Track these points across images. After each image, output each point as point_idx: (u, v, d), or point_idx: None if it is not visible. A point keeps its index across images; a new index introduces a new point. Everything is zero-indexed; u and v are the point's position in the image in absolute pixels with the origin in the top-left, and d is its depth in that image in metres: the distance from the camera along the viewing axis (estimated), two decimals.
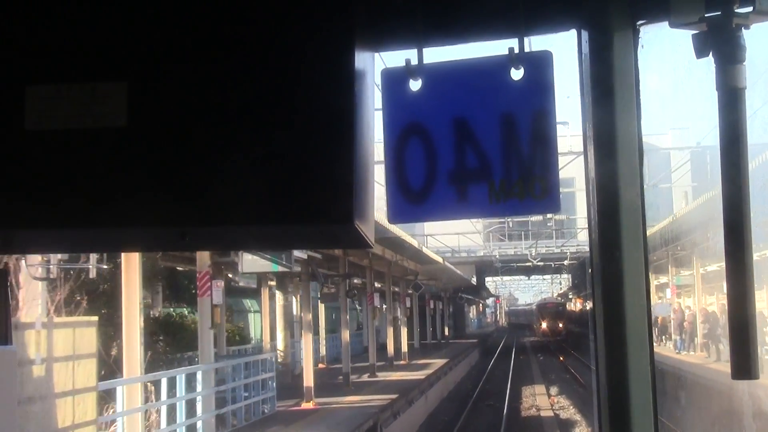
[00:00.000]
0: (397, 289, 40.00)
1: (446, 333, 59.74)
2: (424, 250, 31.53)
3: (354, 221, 1.35)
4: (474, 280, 57.79)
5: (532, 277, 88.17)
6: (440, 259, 37.59)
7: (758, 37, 1.60)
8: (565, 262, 51.14)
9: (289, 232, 1.47)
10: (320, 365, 33.12)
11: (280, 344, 27.84)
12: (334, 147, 1.35)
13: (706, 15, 1.42)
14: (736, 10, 1.41)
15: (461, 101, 1.51)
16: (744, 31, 1.42)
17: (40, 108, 1.41)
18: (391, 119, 1.55)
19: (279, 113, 1.37)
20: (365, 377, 27.57)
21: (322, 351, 34.85)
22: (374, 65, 1.57)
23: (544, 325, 67.52)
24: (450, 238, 49.04)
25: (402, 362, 33.91)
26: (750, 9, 1.42)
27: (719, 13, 1.41)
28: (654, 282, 37.88)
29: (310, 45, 1.38)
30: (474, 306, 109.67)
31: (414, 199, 1.53)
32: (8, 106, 1.41)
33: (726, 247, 1.41)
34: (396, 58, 1.60)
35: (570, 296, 74.68)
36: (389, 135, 1.55)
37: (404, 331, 36.62)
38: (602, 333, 1.50)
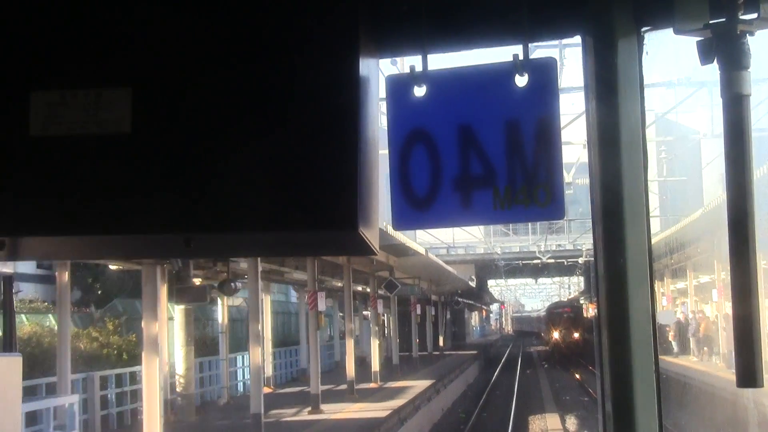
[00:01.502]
0: (367, 289, 36.90)
1: (441, 343, 58.35)
2: (390, 230, 25.33)
3: (358, 228, 1.58)
4: (473, 282, 57.59)
5: (540, 281, 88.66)
6: (422, 250, 34.53)
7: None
8: (580, 260, 50.61)
9: (293, 238, 1.71)
10: (265, 389, 28.61)
11: (180, 366, 22.87)
12: (339, 154, 1.59)
13: (710, 21, 1.67)
14: (740, 17, 1.66)
15: (466, 108, 1.77)
16: (749, 38, 1.68)
17: (45, 114, 1.64)
18: (395, 125, 1.80)
19: (283, 120, 1.61)
20: (305, 414, 22.83)
21: (269, 370, 30.79)
22: (378, 71, 1.81)
23: (555, 334, 61.81)
24: (444, 231, 49.19)
25: (371, 386, 30.40)
26: (755, 15, 1.67)
27: (724, 19, 1.66)
28: (693, 281, 38.09)
29: (315, 51, 1.62)
30: (476, 312, 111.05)
31: (418, 205, 1.78)
32: (13, 112, 1.64)
33: (731, 258, 1.66)
34: (400, 64, 1.84)
35: (582, 301, 69.70)
36: (394, 141, 1.80)
37: (375, 345, 33.24)
38: (607, 337, 1.76)
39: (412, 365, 42.26)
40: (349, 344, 29.39)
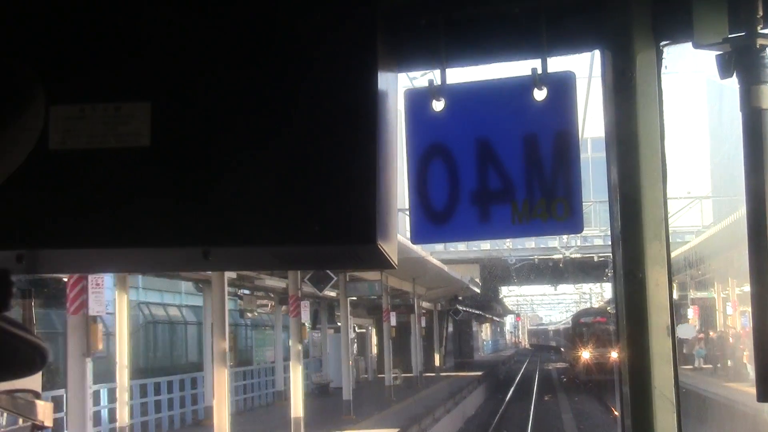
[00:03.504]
0: (285, 286, 32.89)
1: (437, 362, 57.02)
2: None
3: (377, 241, 2.01)
4: (476, 286, 56.85)
5: (560, 289, 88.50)
6: None
7: None
8: None
9: (312, 252, 2.15)
10: None
11: None
12: (358, 168, 2.02)
13: (729, 36, 2.13)
14: (759, 31, 2.11)
15: (484, 121, 2.23)
16: None
17: (64, 128, 2.07)
18: (414, 139, 2.27)
19: (302, 134, 2.04)
20: None
21: (125, 416, 23.27)
22: (397, 85, 2.27)
23: (585, 354, 55.20)
24: None
25: None
26: None
27: (743, 33, 2.12)
28: None
29: (333, 65, 2.06)
30: (488, 325, 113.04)
31: (437, 219, 2.25)
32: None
33: (751, 269, 2.12)
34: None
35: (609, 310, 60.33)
36: (412, 155, 2.27)
37: (297, 372, 27.65)
38: (626, 351, 2.22)
39: (380, 398, 37.70)
40: (220, 377, 21.67)
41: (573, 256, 51.80)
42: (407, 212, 2.37)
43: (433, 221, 2.26)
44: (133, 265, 2.57)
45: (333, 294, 39.49)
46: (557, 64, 2.26)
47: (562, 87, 2.23)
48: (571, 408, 44.10)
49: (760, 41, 2.12)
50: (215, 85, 2.08)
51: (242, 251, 2.16)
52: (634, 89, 2.21)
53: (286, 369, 41.27)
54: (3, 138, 1.54)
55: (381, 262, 2.16)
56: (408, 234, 2.44)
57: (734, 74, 2.13)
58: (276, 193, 2.03)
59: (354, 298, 43.08)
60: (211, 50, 2.10)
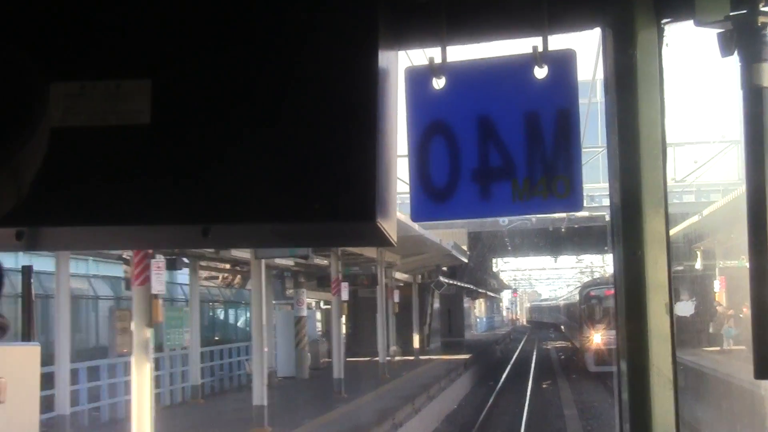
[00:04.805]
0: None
1: (417, 344, 56.95)
2: None
3: (376, 219, 2.33)
4: (462, 254, 57.21)
5: (560, 262, 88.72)
6: None
7: None
8: None
9: (312, 229, 2.49)
10: None
11: None
12: (358, 145, 2.33)
13: (731, 14, 2.45)
14: (761, 9, 2.43)
15: (485, 99, 2.58)
16: None
17: (64, 105, 2.38)
18: (414, 117, 2.62)
19: (302, 111, 2.36)
20: None
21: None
22: (398, 63, 2.61)
23: (597, 337, 53.26)
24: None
25: None
26: None
27: (745, 11, 2.44)
28: None
29: (334, 43, 2.38)
30: (482, 301, 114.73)
31: (437, 197, 2.61)
32: None
33: (749, 244, 2.45)
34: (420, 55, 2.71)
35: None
36: (413, 133, 2.62)
37: (144, 369, 22.20)
38: (624, 327, 2.58)
39: (325, 394, 35.05)
40: None
41: (579, 215, 50.54)
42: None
43: (433, 199, 2.62)
44: (132, 243, 2.96)
45: (245, 255, 34.40)
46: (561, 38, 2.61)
47: (563, 65, 2.57)
48: (576, 403, 42.90)
49: (761, 19, 2.44)
50: (215, 63, 2.40)
51: (242, 229, 2.49)
52: (635, 68, 2.56)
53: (211, 356, 39.96)
54: (31, 146, 1.85)
55: (380, 240, 2.49)
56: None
57: (735, 52, 2.46)
58: (276, 171, 2.34)
59: (291, 263, 41.56)
60: (212, 28, 2.42)
